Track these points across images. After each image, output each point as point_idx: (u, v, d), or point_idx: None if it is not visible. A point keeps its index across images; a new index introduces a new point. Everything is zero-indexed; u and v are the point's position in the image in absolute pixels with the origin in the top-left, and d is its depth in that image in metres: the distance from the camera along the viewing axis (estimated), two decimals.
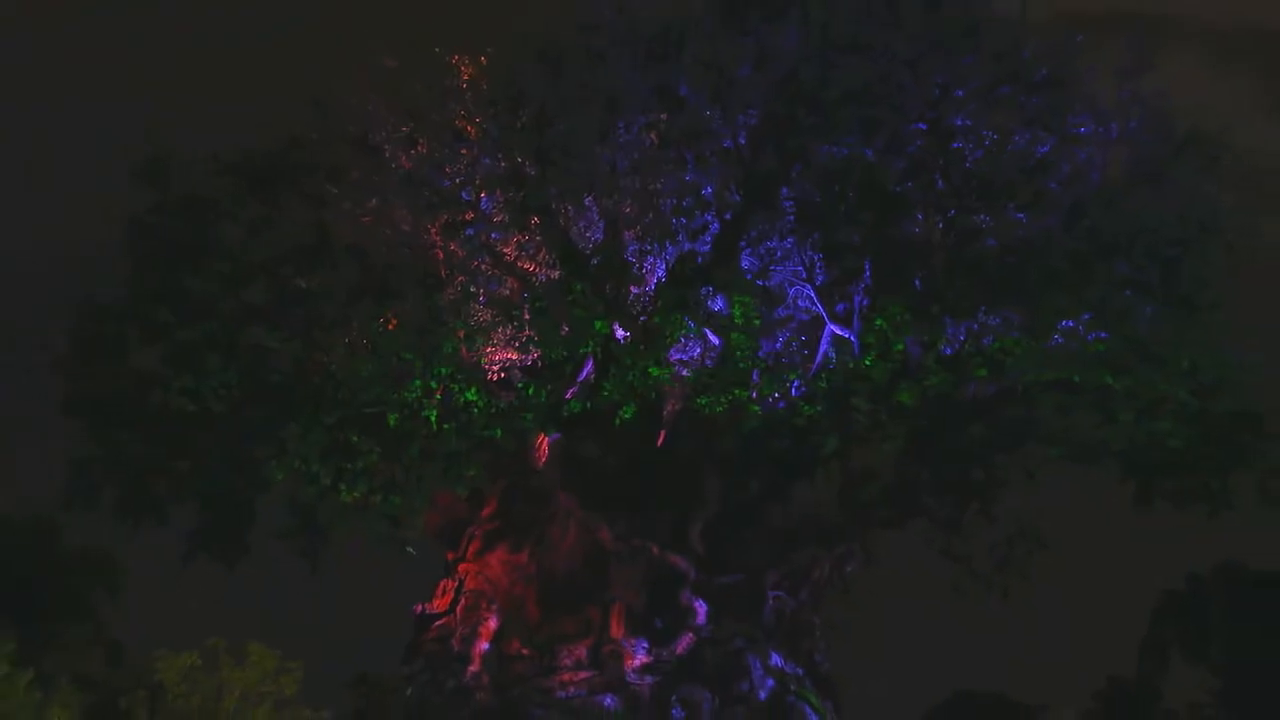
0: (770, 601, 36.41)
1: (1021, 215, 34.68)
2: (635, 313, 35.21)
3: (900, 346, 33.90)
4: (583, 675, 34.41)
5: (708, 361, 36.11)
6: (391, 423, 32.93)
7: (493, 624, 35.39)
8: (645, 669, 34.45)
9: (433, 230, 34.52)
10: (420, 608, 36.54)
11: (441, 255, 34.47)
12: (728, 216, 35.70)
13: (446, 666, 34.91)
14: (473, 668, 34.68)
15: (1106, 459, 34.81)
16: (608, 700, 33.86)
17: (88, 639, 28.03)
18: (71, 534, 30.87)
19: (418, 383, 32.95)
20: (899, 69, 34.04)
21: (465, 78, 34.53)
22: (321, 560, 34.68)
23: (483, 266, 35.21)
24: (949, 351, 34.56)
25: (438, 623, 35.96)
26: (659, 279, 35.66)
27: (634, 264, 35.40)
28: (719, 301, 35.07)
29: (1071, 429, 34.15)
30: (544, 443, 36.14)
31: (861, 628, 39.45)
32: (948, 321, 34.41)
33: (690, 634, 35.07)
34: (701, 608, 35.40)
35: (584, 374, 35.41)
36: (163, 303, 33.58)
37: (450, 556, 37.00)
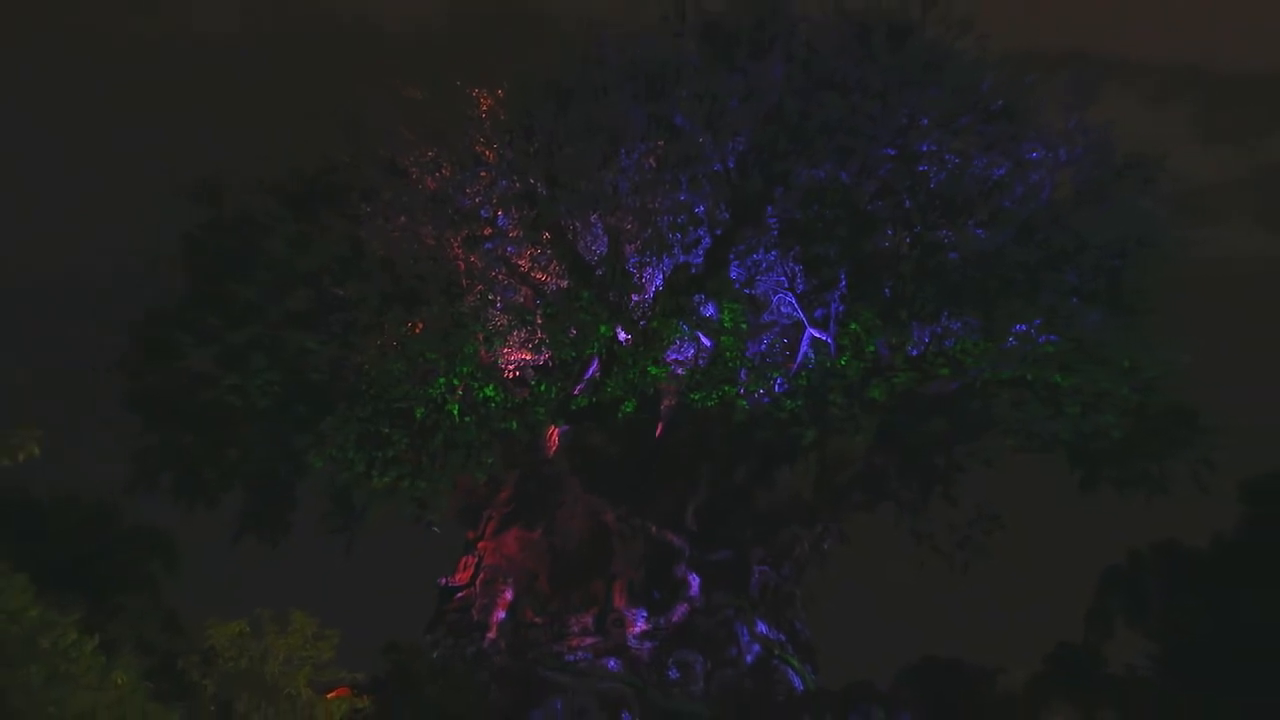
0: (756, 575, 36.33)
1: (980, 231, 34.67)
2: (635, 318, 35.16)
3: (871, 348, 33.87)
4: (589, 641, 34.35)
5: (700, 361, 36.07)
6: (418, 416, 32.87)
7: (508, 595, 35.31)
8: (645, 635, 34.39)
9: (455, 244, 34.45)
10: (444, 581, 36.48)
11: (463, 266, 34.39)
12: (718, 232, 35.64)
13: (467, 634, 34.86)
14: (491, 635, 34.62)
15: (1056, 448, 34.81)
16: (611, 663, 33.80)
17: (147, 609, 27.90)
18: (132, 515, 30.73)
19: (442, 380, 32.87)
20: (871, 101, 33.99)
21: (484, 108, 34.48)
22: (355, 538, 34.70)
23: (500, 277, 35.15)
24: (915, 352, 34.55)
25: (459, 594, 35.90)
26: (657, 288, 35.62)
27: (634, 274, 35.36)
28: (710, 308, 35.05)
29: (1024, 421, 34.10)
30: (554, 434, 36.10)
31: (837, 599, 39.42)
32: (914, 325, 34.42)
33: (685, 604, 35.01)
34: (695, 581, 35.34)
35: (590, 372, 35.33)
36: (214, 309, 33.58)
37: (470, 535, 36.93)
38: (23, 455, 17.56)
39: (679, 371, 35.98)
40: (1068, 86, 34.79)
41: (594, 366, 35.28)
